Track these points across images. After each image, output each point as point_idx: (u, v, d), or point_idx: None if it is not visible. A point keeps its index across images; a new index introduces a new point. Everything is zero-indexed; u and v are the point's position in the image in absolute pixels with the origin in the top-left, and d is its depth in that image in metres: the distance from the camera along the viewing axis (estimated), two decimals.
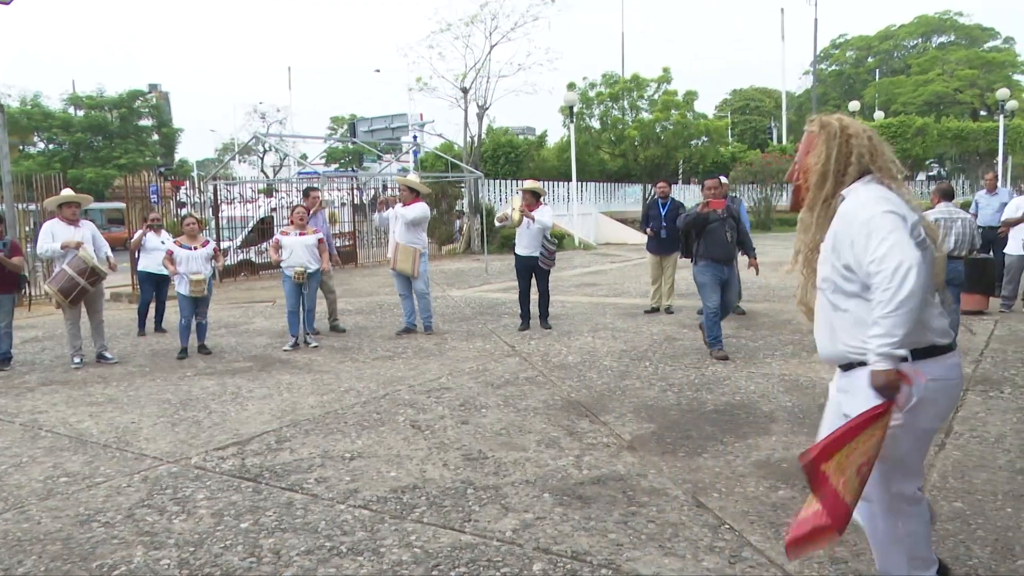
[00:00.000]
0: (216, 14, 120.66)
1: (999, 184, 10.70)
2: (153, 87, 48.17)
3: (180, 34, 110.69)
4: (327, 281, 8.89)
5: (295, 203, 10.63)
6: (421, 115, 27.67)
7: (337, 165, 47.78)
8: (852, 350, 2.53)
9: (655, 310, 9.84)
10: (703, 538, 3.41)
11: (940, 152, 39.09)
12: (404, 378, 6.66)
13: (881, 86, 52.56)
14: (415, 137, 26.57)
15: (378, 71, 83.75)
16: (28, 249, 10.81)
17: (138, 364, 7.65)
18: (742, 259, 7.73)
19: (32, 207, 13.93)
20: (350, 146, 43.10)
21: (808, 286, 2.78)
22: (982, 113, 47.67)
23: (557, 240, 9.85)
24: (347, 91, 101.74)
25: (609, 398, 5.81)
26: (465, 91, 21.65)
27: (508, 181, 25.55)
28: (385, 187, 20.96)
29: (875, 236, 2.36)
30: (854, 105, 41.32)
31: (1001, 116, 29.97)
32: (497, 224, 11.47)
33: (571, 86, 28.50)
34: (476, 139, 22.62)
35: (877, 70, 57.59)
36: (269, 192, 21.72)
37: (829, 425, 2.77)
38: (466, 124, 22.15)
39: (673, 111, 28.24)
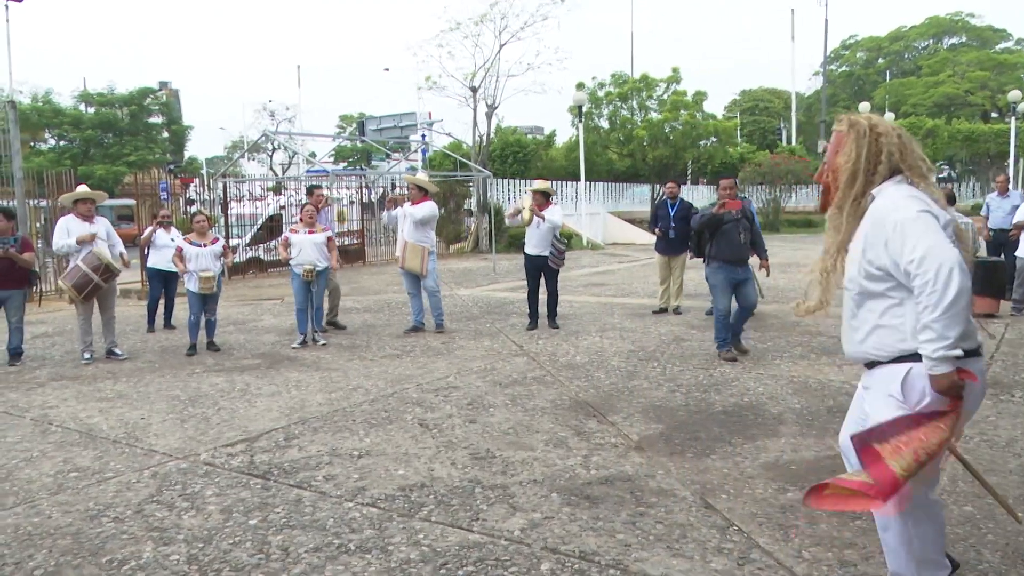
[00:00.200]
0: (227, 13, 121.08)
1: (1011, 186, 10.63)
2: (163, 85, 48.39)
3: (191, 32, 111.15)
4: (331, 278, 8.92)
5: (304, 201, 10.66)
6: (430, 114, 27.63)
7: (346, 163, 47.94)
8: (874, 350, 2.54)
9: (663, 310, 9.82)
10: (711, 539, 3.40)
11: (950, 154, 38.91)
12: (412, 376, 6.67)
13: (891, 87, 52.30)
14: (424, 136, 26.58)
15: (387, 70, 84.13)
16: (39, 245, 10.86)
17: (147, 360, 7.68)
18: (753, 259, 7.69)
19: (43, 203, 14.01)
20: (359, 144, 43.16)
21: (829, 286, 2.75)
22: (993, 115, 47.40)
23: (567, 240, 9.85)
24: (356, 89, 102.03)
25: (617, 398, 5.81)
26: (474, 90, 21.66)
27: (516, 180, 25.56)
28: (393, 185, 21.01)
29: (911, 237, 2.36)
30: (864, 106, 41.05)
31: (1012, 118, 29.77)
32: (507, 221, 11.47)
33: (580, 86, 28.49)
34: (485, 138, 22.62)
35: (887, 71, 57.31)
36: (278, 190, 21.79)
37: (850, 420, 2.82)
38: (475, 123, 22.16)
39: (682, 111, 28.19)
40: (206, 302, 8.01)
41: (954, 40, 57.98)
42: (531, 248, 8.86)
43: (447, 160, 27.35)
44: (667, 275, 9.89)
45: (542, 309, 8.98)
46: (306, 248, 8.15)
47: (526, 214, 8.66)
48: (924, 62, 54.70)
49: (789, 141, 43.53)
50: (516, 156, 30.63)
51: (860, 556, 3.20)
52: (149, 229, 9.81)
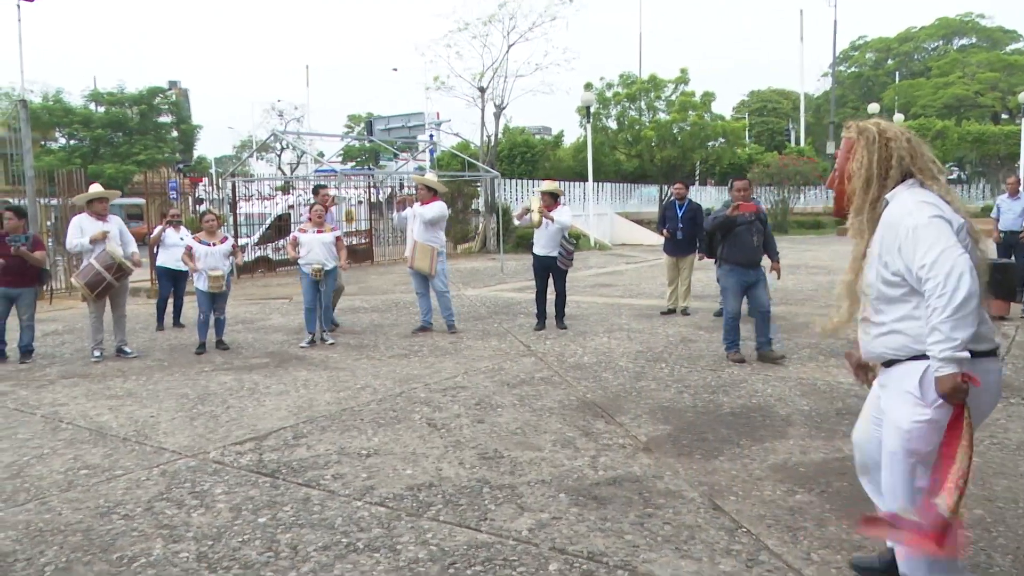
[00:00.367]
0: (236, 13, 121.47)
1: (1021, 188, 10.56)
2: (173, 84, 48.49)
3: (200, 32, 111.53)
4: (337, 277, 8.92)
5: (312, 201, 10.70)
6: (438, 114, 27.71)
7: (354, 163, 47.98)
8: (892, 350, 2.58)
9: (671, 311, 9.81)
10: (719, 541, 3.40)
11: (960, 156, 38.76)
12: (420, 376, 6.68)
13: (901, 88, 52.10)
14: (431, 136, 26.64)
15: (395, 70, 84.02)
16: (49, 243, 10.92)
17: (156, 359, 7.72)
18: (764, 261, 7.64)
19: (54, 202, 14.09)
20: (367, 144, 43.20)
21: (856, 296, 2.75)
22: (1003, 116, 47.17)
23: (575, 240, 9.85)
24: (364, 89, 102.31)
25: (625, 399, 5.80)
26: (482, 90, 21.68)
27: (524, 181, 25.55)
28: (401, 185, 21.03)
29: (923, 242, 2.39)
30: (873, 107, 40.95)
31: (1023, 119, 29.62)
32: (516, 222, 11.47)
33: (588, 86, 28.47)
34: (492, 138, 22.63)
35: (897, 72, 57.06)
36: (286, 189, 21.86)
37: (865, 418, 2.88)
38: (483, 123, 22.18)
39: (690, 112, 28.14)
40: (215, 301, 8.04)
41: (964, 41, 57.72)
42: (539, 248, 8.86)
43: (455, 160, 27.40)
44: (675, 276, 9.87)
45: (550, 309, 8.98)
46: (315, 248, 8.17)
47: (535, 216, 8.65)
48: (934, 63, 54.46)
49: (797, 142, 43.39)
50: (524, 156, 30.66)
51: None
52: (159, 228, 9.86)
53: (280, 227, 17.34)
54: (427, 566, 3.20)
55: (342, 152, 45.63)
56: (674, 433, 4.96)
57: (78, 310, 10.99)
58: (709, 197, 31.14)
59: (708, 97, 28.93)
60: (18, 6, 14.17)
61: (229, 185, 17.13)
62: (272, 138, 37.46)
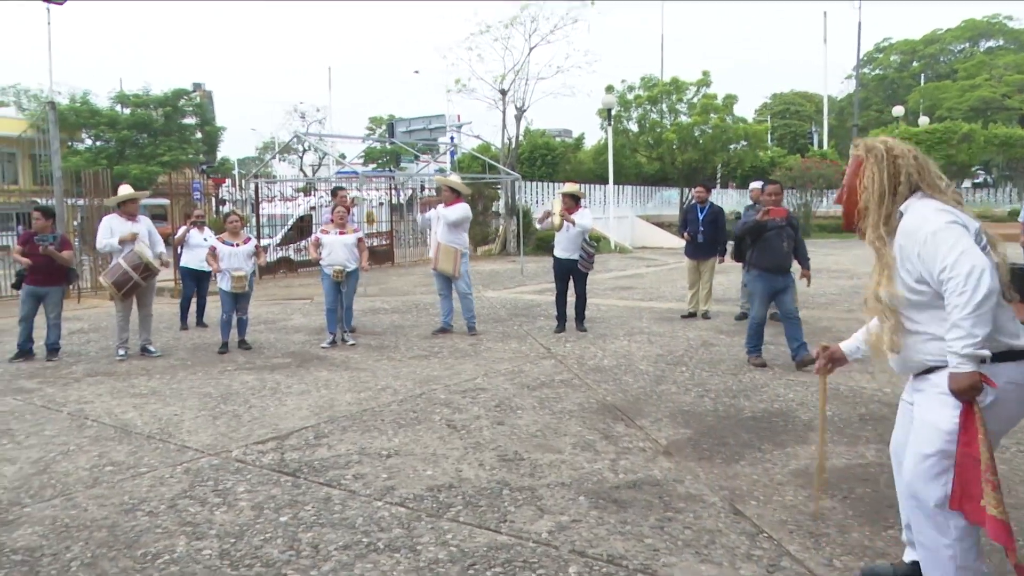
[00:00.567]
0: (259, 15, 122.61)
1: None
2: (197, 86, 48.93)
3: (224, 34, 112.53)
4: None
5: (330, 202, 10.78)
6: (459, 116, 27.79)
7: (375, 165, 48.22)
8: (931, 358, 2.60)
9: (692, 315, 9.76)
10: (740, 546, 3.38)
11: (986, 159, 38.22)
12: (440, 377, 6.70)
13: (926, 91, 51.49)
14: (452, 138, 26.70)
15: (417, 72, 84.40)
16: (76, 243, 11.08)
17: (180, 358, 7.80)
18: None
19: (80, 202, 14.30)
20: (388, 146, 43.43)
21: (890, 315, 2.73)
22: None
23: (596, 243, 9.84)
24: (386, 91, 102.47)
25: (645, 402, 5.79)
26: (503, 93, 21.73)
27: (544, 183, 25.56)
28: (422, 187, 21.12)
29: (943, 246, 2.46)
30: (898, 110, 40.60)
31: None
32: (537, 225, 11.47)
33: (609, 89, 28.37)
34: (513, 141, 22.67)
35: (922, 75, 56.42)
36: (308, 191, 22.01)
37: (899, 432, 2.90)
38: (504, 126, 22.24)
39: (712, 115, 27.97)
40: (238, 301, 8.12)
41: (991, 43, 56.98)
42: (560, 251, 8.86)
43: (475, 162, 27.44)
44: (696, 279, 9.82)
45: (570, 312, 8.98)
46: (336, 249, 8.23)
47: (556, 219, 8.64)
48: (960, 65, 53.78)
49: (820, 145, 43.01)
50: (544, 159, 30.62)
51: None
52: (183, 229, 9.97)
53: (302, 228, 17.49)
54: (447, 567, 3.21)
55: (363, 154, 45.86)
56: (695, 437, 4.94)
57: (103, 309, 11.15)
58: (731, 200, 30.97)
59: (730, 100, 28.71)
60: (47, 9, 14.39)
61: (252, 186, 17.29)
62: (294, 139, 37.77)
